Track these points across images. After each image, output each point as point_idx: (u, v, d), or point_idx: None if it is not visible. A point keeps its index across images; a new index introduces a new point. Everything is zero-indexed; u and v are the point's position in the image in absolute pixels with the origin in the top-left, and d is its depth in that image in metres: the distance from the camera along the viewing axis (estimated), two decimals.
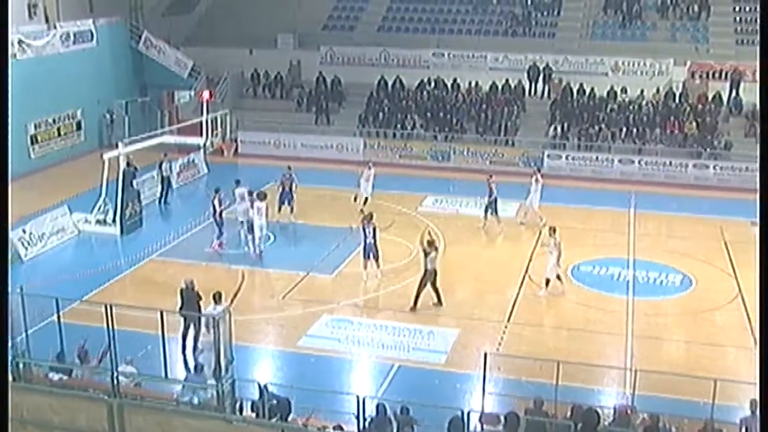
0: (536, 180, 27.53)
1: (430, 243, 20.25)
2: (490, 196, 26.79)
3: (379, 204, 28.11)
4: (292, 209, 26.92)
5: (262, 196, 23.90)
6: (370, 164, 28.72)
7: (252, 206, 23.77)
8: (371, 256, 22.01)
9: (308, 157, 35.28)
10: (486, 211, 26.88)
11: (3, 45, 13.49)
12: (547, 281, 21.52)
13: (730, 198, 32.20)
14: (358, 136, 37.94)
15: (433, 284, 20.37)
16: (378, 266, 22.15)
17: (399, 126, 38.14)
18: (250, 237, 23.77)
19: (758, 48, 15.73)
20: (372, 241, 21.93)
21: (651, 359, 17.68)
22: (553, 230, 21.81)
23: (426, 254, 20.17)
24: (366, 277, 22.06)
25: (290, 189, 26.94)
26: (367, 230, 21.94)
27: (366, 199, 27.79)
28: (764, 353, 11.21)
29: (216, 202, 24.61)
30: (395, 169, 34.40)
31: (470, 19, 42.62)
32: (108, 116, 37.55)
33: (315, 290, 21.74)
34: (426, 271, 20.24)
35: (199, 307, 17.20)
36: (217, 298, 16.57)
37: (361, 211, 26.05)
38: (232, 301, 16.46)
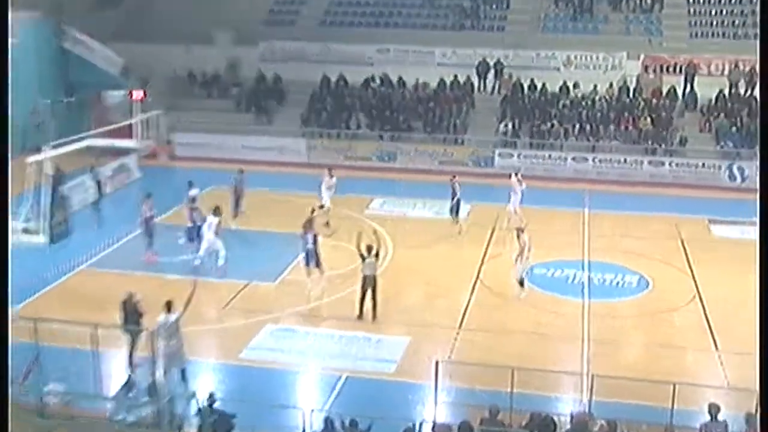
0: (518, 182, 27.75)
1: (369, 248, 20.14)
2: (453, 197, 26.96)
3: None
4: (236, 215, 26.79)
5: (217, 211, 23.46)
6: (331, 172, 28.34)
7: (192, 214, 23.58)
8: (313, 263, 21.94)
9: (249, 159, 35.03)
10: (452, 212, 27.10)
11: (3, 45, 13.58)
12: (521, 282, 21.78)
13: (686, 195, 32.87)
14: (301, 137, 37.87)
15: (372, 292, 20.25)
16: (321, 273, 22.09)
17: (343, 126, 38.20)
18: (199, 245, 23.38)
19: (758, 44, 16.33)
20: (313, 248, 21.84)
21: (608, 364, 17.90)
22: (521, 231, 22.04)
23: (363, 259, 20.09)
24: (310, 284, 22.00)
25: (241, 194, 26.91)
26: (308, 236, 21.86)
27: (322, 206, 27.60)
28: (764, 354, 11.47)
29: (146, 208, 24.27)
30: (340, 170, 34.37)
31: (416, 13, 42.84)
32: (32, 118, 36.85)
33: (257, 299, 21.62)
34: (365, 277, 20.18)
35: (140, 320, 16.94)
36: (169, 307, 16.29)
37: (312, 210, 26.13)
38: (184, 310, 16.24)
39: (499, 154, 36.17)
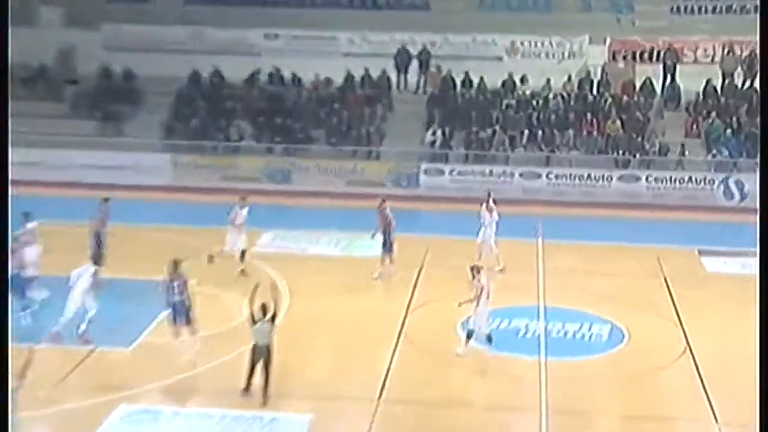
0: (489, 210, 27.93)
1: (263, 308, 19.83)
2: (385, 229, 27.01)
3: (197, 245, 27.82)
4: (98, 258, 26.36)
5: (99, 259, 23.04)
6: (244, 200, 27.72)
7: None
8: (182, 319, 21.63)
9: (92, 182, 34.45)
10: (384, 248, 27.06)
11: (3, 45, 15.04)
12: (489, 337, 21.91)
13: (669, 219, 33.57)
14: (163, 152, 37.53)
15: (265, 366, 19.99)
16: (193, 333, 21.82)
17: (221, 136, 38.06)
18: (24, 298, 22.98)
19: (758, 42, 16.93)
20: (181, 299, 21.54)
21: None
22: (477, 270, 22.12)
23: (254, 322, 19.84)
24: (178, 348, 21.71)
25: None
26: (174, 284, 21.55)
27: (243, 252, 27.27)
28: (764, 353, 12.41)
29: None
30: (218, 196, 34.19)
31: None
32: None
33: (106, 370, 21.25)
34: (256, 347, 19.92)
35: None
36: None
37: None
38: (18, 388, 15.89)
39: (426, 171, 36.51)
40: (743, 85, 38.63)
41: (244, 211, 27.48)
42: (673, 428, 19.45)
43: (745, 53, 38.12)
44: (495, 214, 28.05)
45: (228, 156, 37.62)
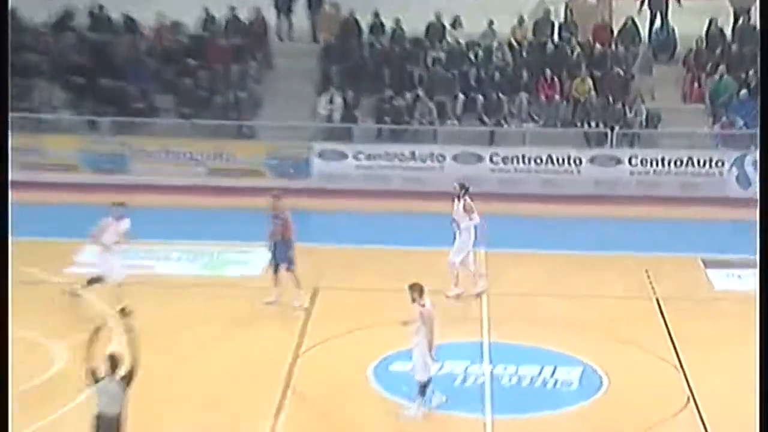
0: (466, 210, 27.87)
1: (112, 361, 19.59)
2: (282, 236, 26.98)
3: None
4: None
5: None
6: (120, 206, 27.40)
7: None
8: None
9: None
10: (273, 263, 26.92)
11: (3, 44, 17.20)
12: (423, 387, 21.83)
13: (662, 217, 33.87)
14: None
15: None
16: None
17: (20, 104, 37.58)
18: None
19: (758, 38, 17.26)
20: None
21: None
22: (418, 292, 22.03)
23: (95, 380, 19.61)
24: None
25: None
26: None
27: (97, 279, 26.95)
28: (764, 353, 13.29)
29: None
30: (22, 191, 33.75)
31: None
32: None
33: None
34: (98, 416, 19.71)
35: None
36: None
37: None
38: None
39: (320, 154, 36.38)
40: (764, 25, 38.96)
41: (124, 222, 27.14)
42: None
43: None
44: (475, 216, 28.06)
45: (31, 134, 37.11)
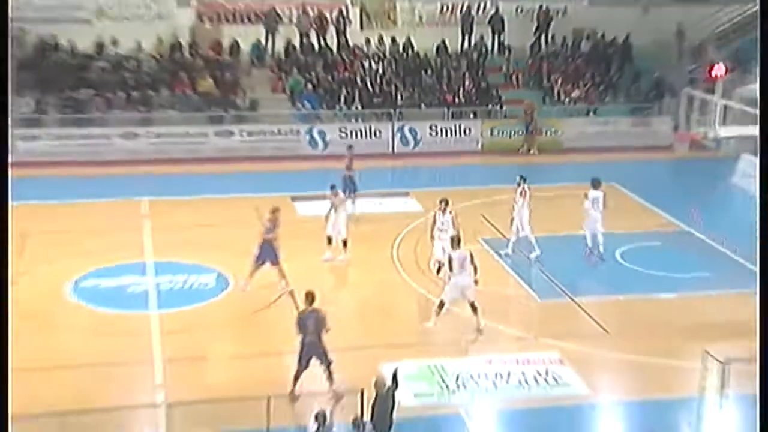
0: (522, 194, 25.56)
1: None
2: None
3: None
4: None
5: None
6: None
7: None
8: None
9: None
10: None
11: (3, 44, 14.91)
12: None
13: (263, 170, 34.06)
14: None
15: None
16: None
17: None
18: None
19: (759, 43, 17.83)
20: None
21: (191, 386, 18.09)
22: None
23: None
24: None
25: None
26: None
27: None
28: (764, 353, 12.38)
29: None
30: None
31: None
32: None
33: None
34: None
35: None
36: None
37: None
38: None
39: (22, 138, 34.66)
40: (318, 45, 40.07)
41: None
42: (281, 362, 19.51)
43: (315, 15, 39.99)
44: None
45: None
